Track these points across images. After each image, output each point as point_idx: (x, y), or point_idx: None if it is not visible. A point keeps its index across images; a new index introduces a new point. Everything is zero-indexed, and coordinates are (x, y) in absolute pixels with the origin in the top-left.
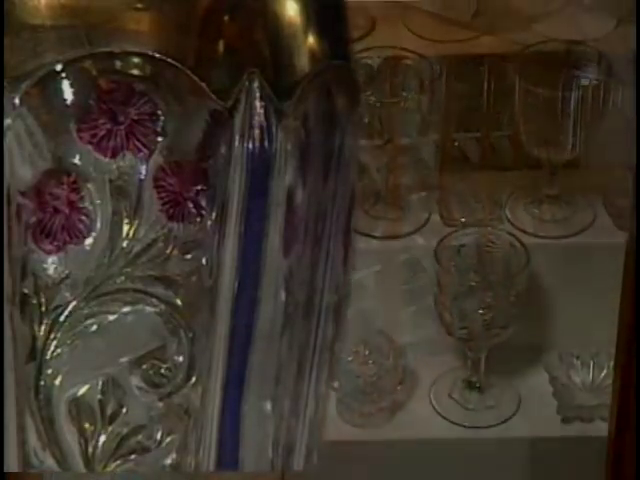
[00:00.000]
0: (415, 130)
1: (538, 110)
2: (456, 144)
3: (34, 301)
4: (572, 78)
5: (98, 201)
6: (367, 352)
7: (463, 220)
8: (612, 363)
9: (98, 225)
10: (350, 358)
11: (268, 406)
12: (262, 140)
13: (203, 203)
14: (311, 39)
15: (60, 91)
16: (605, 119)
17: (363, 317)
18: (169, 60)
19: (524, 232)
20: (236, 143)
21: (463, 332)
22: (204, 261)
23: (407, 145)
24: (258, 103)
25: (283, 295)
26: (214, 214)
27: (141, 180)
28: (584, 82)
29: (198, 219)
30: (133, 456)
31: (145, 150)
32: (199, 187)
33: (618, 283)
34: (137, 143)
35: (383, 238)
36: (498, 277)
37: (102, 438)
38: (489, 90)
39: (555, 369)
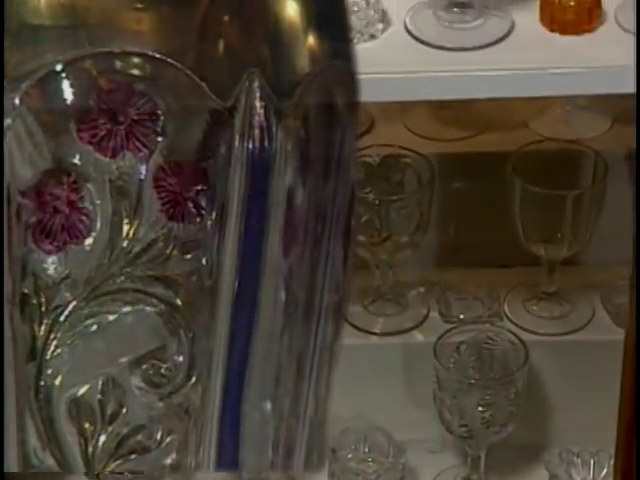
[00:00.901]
0: (414, 227)
1: (536, 208)
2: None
3: (34, 301)
4: (569, 176)
5: (98, 201)
6: (366, 450)
7: (462, 317)
8: (612, 462)
9: (98, 225)
10: (349, 456)
11: (268, 406)
12: (262, 140)
13: (203, 203)
14: (311, 39)
15: (60, 91)
16: (602, 217)
17: (362, 414)
18: (169, 60)
19: (523, 329)
20: (236, 143)
21: (463, 430)
22: (204, 261)
23: (406, 242)
24: (258, 103)
25: (283, 295)
26: (214, 214)
27: (141, 180)
28: (581, 180)
29: (198, 219)
30: (133, 456)
31: (145, 150)
32: (199, 187)
33: (617, 381)
34: (137, 143)
35: (382, 334)
36: (497, 374)
37: (102, 438)
38: (487, 188)
39: (555, 467)
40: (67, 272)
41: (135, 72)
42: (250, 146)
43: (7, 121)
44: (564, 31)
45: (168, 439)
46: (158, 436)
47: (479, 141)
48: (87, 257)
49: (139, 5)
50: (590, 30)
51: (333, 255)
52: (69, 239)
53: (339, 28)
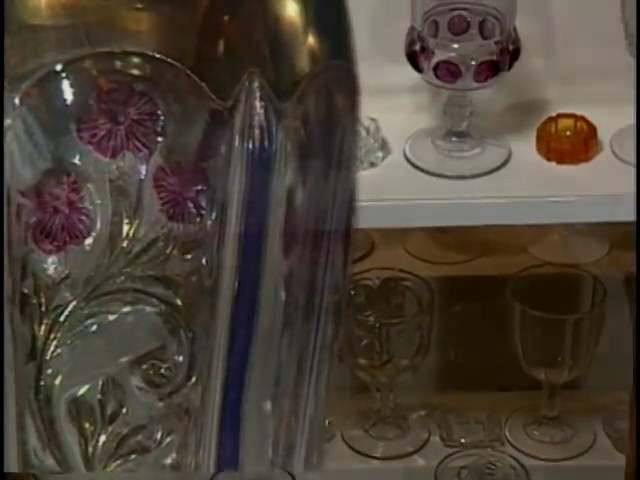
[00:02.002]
0: (414, 350)
1: (535, 332)
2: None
3: (34, 301)
4: (568, 301)
5: (98, 201)
6: None
7: (463, 441)
8: None
9: (98, 225)
10: None
11: (268, 406)
12: (262, 140)
13: (203, 203)
14: (311, 39)
15: (60, 91)
16: (602, 341)
17: None
18: (169, 60)
19: (524, 454)
20: (236, 143)
21: None
22: (204, 261)
23: (406, 365)
24: (258, 103)
25: (283, 295)
26: (214, 214)
27: (141, 180)
28: (580, 305)
29: (198, 219)
30: (133, 456)
31: (145, 150)
32: (199, 187)
33: None
34: (137, 143)
35: (383, 459)
36: None
37: (102, 438)
38: (486, 311)
39: None
40: (67, 272)
41: (135, 72)
42: (250, 146)
43: (7, 121)
44: (561, 160)
45: (168, 439)
46: (158, 436)
47: (478, 265)
48: (87, 257)
49: (139, 5)
50: (586, 160)
51: (333, 255)
52: (69, 239)
53: (339, 28)
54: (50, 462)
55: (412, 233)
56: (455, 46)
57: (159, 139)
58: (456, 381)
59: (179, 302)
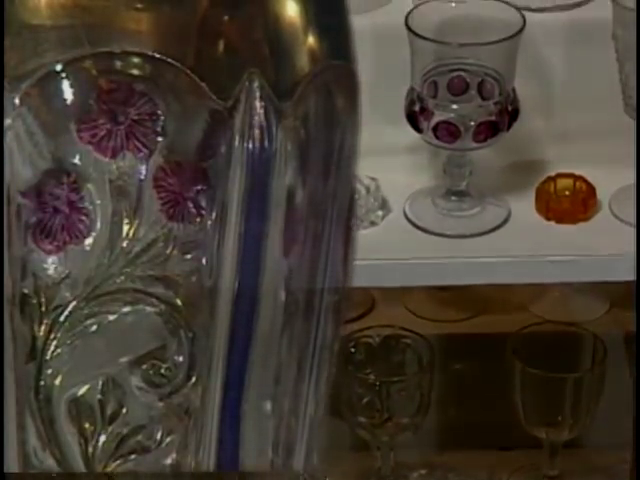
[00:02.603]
0: (415, 409)
1: (536, 390)
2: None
3: (34, 301)
4: (569, 359)
5: (98, 201)
6: None
7: None
8: None
9: (98, 225)
10: None
11: (268, 406)
12: (262, 140)
13: (203, 203)
14: (311, 39)
15: (60, 91)
16: (603, 400)
17: None
18: (169, 60)
19: None
20: (236, 143)
21: None
22: (204, 261)
23: (407, 423)
24: (258, 103)
25: (283, 295)
26: (214, 214)
27: (141, 180)
28: (581, 363)
29: (198, 219)
30: (133, 456)
31: (145, 150)
32: (199, 187)
33: None
34: (137, 143)
35: None
36: None
37: (102, 438)
38: (487, 369)
39: None
40: (67, 272)
41: (135, 72)
42: (250, 146)
43: (7, 121)
44: (560, 220)
45: (168, 439)
46: (158, 436)
47: (479, 322)
48: (87, 257)
49: (139, 5)
50: (585, 219)
51: (333, 255)
52: (69, 239)
53: (339, 28)
54: (50, 462)
55: (412, 291)
56: (454, 107)
57: (159, 139)
58: (457, 440)
59: (179, 302)
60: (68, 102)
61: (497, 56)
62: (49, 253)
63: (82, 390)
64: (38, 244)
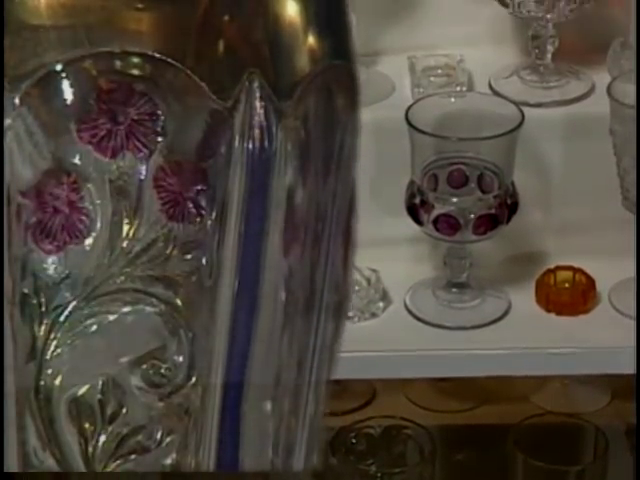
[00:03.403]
0: None
1: None
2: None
3: (34, 301)
4: (571, 451)
5: (98, 201)
6: None
7: None
8: None
9: (98, 225)
10: None
11: (268, 406)
12: (262, 140)
13: (203, 203)
14: (311, 39)
15: (60, 91)
16: None
17: None
18: (169, 60)
19: None
20: (236, 143)
21: None
22: (204, 261)
23: None
24: (258, 103)
25: (283, 295)
26: (214, 214)
27: (141, 180)
28: (583, 455)
29: (198, 219)
30: (133, 456)
31: (145, 150)
32: (199, 187)
33: None
34: (137, 143)
35: None
36: None
37: (102, 438)
38: (488, 461)
39: None
40: (67, 272)
41: (135, 72)
42: (250, 146)
43: (7, 121)
44: (560, 312)
45: (168, 439)
46: (158, 436)
47: (480, 413)
48: (87, 257)
49: (139, 5)
50: (585, 311)
51: (333, 255)
52: (69, 239)
53: (339, 28)
54: (50, 462)
55: (413, 381)
56: (454, 200)
57: (159, 139)
58: None
59: (179, 302)
60: (68, 102)
61: (496, 150)
62: (49, 253)
63: (82, 390)
64: (38, 244)
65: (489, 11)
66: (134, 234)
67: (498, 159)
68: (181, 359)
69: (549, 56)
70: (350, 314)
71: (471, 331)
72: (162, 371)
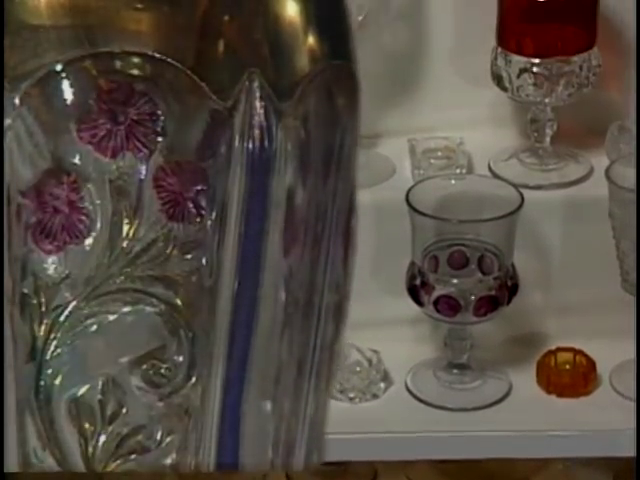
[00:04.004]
0: None
1: None
2: None
3: (34, 301)
4: None
5: (98, 201)
6: None
7: None
8: None
9: (98, 225)
10: None
11: (268, 406)
12: (262, 140)
13: (203, 203)
14: (311, 39)
15: (60, 91)
16: None
17: None
18: (169, 60)
19: None
20: (236, 143)
21: None
22: (204, 261)
23: None
24: (258, 103)
25: (283, 295)
26: (214, 214)
27: (141, 180)
28: None
29: (198, 219)
30: (133, 456)
31: (145, 150)
32: (199, 187)
33: None
34: (137, 143)
35: None
36: None
37: (102, 438)
38: None
39: None
40: (67, 272)
41: (135, 72)
42: (250, 146)
43: (7, 121)
44: (561, 394)
45: (168, 439)
46: (158, 436)
47: None
48: (87, 257)
49: (139, 5)
50: (586, 393)
51: (333, 255)
52: (69, 239)
53: (339, 28)
54: (50, 462)
55: (415, 462)
56: (455, 281)
57: (159, 139)
58: None
59: (179, 302)
60: (68, 102)
61: (496, 232)
62: (49, 253)
63: (82, 390)
64: (38, 244)
65: (488, 94)
66: (134, 234)
67: (498, 241)
68: (181, 359)
69: (548, 139)
70: (351, 395)
71: (472, 412)
72: (162, 371)
